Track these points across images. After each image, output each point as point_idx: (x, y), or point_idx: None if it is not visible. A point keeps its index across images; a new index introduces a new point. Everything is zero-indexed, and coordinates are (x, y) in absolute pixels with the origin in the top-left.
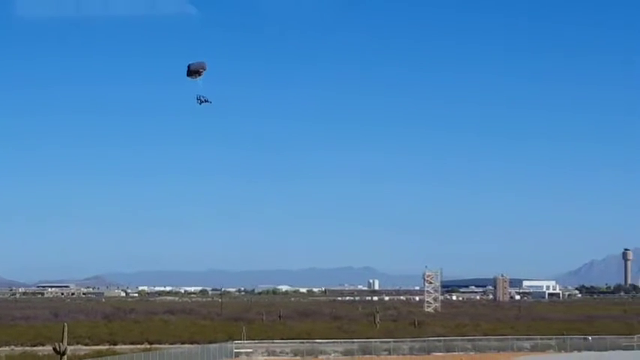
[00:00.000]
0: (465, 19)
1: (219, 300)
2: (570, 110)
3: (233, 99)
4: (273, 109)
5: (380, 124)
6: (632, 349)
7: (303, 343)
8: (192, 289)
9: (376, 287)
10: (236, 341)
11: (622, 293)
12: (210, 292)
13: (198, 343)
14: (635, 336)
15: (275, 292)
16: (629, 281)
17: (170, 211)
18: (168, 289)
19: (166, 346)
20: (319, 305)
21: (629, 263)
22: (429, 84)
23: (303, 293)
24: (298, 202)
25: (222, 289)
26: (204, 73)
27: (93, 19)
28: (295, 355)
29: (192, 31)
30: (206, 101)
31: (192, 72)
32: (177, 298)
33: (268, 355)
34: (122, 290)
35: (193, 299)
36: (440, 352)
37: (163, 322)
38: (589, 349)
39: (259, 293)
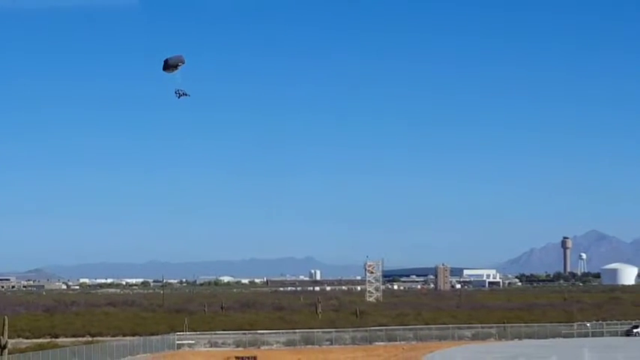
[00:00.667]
0: None
1: (161, 292)
2: (506, 97)
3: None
4: (204, 103)
5: (318, 115)
6: (572, 337)
7: (245, 334)
8: (133, 281)
9: (318, 277)
10: (178, 333)
11: (561, 281)
12: (151, 284)
13: (140, 335)
14: (575, 324)
15: (217, 283)
16: (569, 269)
17: (110, 204)
18: (109, 281)
19: (108, 338)
20: (261, 296)
21: (568, 251)
22: (364, 71)
23: (244, 284)
24: (239, 193)
25: (164, 281)
26: (181, 67)
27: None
28: (237, 346)
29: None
30: (184, 94)
31: (170, 66)
32: (118, 290)
33: (210, 346)
34: (63, 283)
35: (135, 291)
36: (382, 341)
37: (105, 314)
38: (529, 337)
39: (201, 284)
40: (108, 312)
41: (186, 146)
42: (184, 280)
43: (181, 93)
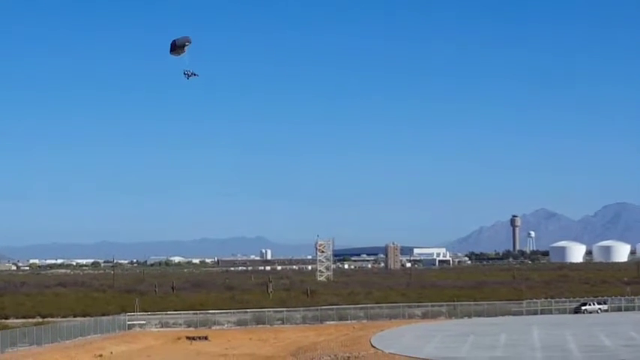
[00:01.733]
0: None
1: (112, 272)
2: (455, 76)
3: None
4: (147, 83)
5: (270, 94)
6: (522, 315)
7: (196, 314)
8: (84, 261)
9: (269, 257)
10: (129, 313)
11: (510, 259)
12: (102, 265)
13: (90, 316)
14: (524, 301)
15: (167, 263)
16: (518, 247)
17: (59, 184)
18: (59, 262)
19: (59, 319)
20: (212, 276)
21: (516, 230)
22: (315, 48)
23: (195, 264)
24: (189, 172)
25: (114, 262)
26: (188, 47)
27: None
28: (189, 326)
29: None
30: (193, 74)
31: (177, 47)
32: (69, 271)
33: (162, 326)
34: (13, 264)
35: (85, 272)
36: (333, 320)
37: (55, 295)
38: (479, 315)
39: (152, 265)
40: (58, 293)
41: (135, 126)
42: (135, 260)
43: (190, 73)
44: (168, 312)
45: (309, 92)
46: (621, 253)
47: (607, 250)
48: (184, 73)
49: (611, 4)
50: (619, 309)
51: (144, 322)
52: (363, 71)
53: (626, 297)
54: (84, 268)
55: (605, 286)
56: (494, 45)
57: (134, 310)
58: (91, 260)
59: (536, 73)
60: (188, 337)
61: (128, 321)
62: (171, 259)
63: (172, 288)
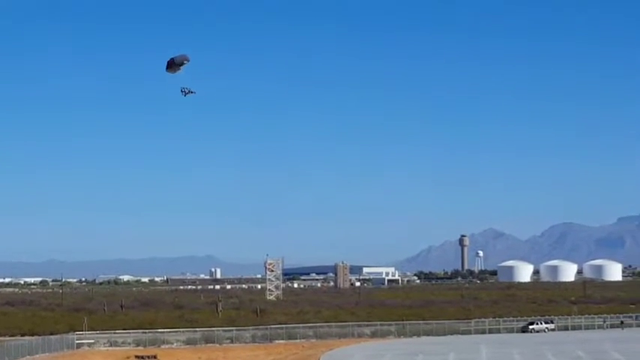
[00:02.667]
0: None
1: (60, 291)
2: (404, 94)
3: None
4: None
5: (216, 111)
6: (470, 334)
7: (145, 332)
8: (31, 280)
9: (218, 276)
10: (77, 332)
11: (459, 278)
12: (50, 283)
13: (38, 335)
14: (473, 320)
15: (116, 282)
16: (466, 266)
17: (6, 202)
18: (7, 280)
19: (6, 338)
20: (161, 295)
21: (465, 249)
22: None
23: (144, 283)
24: (138, 191)
25: (63, 280)
26: (185, 66)
27: None
28: (138, 345)
29: None
30: (190, 92)
31: (175, 64)
32: (16, 290)
33: (110, 345)
34: None
35: (33, 290)
36: (282, 339)
37: (2, 314)
38: (428, 334)
39: (100, 283)
40: (6, 312)
41: (84, 144)
42: (83, 279)
43: (187, 91)
44: (117, 331)
45: (255, 109)
46: (568, 272)
47: (554, 269)
48: (181, 91)
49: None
50: (566, 328)
51: (92, 340)
52: (311, 87)
53: (573, 316)
54: (32, 286)
55: (552, 305)
56: (442, 59)
57: (83, 329)
58: (39, 279)
59: (483, 89)
60: (137, 356)
61: (77, 340)
62: (120, 277)
63: (121, 306)
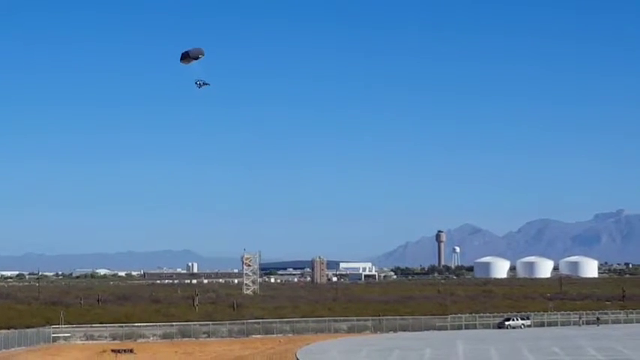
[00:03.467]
0: None
1: (37, 284)
2: (379, 89)
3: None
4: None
5: (197, 105)
6: (446, 329)
7: (122, 327)
8: (8, 273)
9: (195, 270)
10: (54, 326)
11: (436, 274)
12: (27, 277)
13: (15, 329)
14: (449, 316)
15: (93, 276)
16: (443, 262)
17: None
18: None
19: None
20: (138, 289)
21: (442, 245)
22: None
23: (121, 277)
24: (116, 185)
25: (40, 273)
26: (201, 59)
27: None
28: (114, 339)
29: None
30: (205, 84)
31: (190, 58)
32: None
33: (87, 339)
34: None
35: (10, 284)
36: (259, 334)
37: None
38: (404, 330)
39: (77, 277)
40: None
41: (60, 138)
42: (60, 272)
43: (201, 83)
44: (94, 325)
45: (234, 104)
46: (544, 269)
47: (530, 265)
48: (196, 83)
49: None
50: (542, 324)
51: (69, 334)
52: (288, 83)
53: (549, 312)
54: (8, 280)
55: (528, 301)
56: (414, 56)
57: (59, 323)
58: (16, 272)
59: (460, 85)
60: (113, 350)
61: (53, 333)
62: (97, 271)
63: (98, 300)
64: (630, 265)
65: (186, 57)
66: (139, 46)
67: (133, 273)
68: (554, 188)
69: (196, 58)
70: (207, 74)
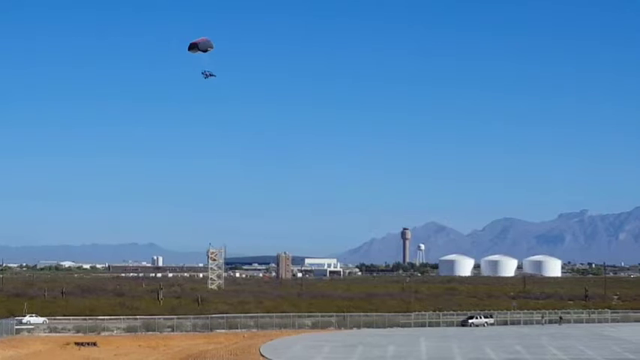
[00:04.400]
0: None
1: (0, 276)
2: (346, 83)
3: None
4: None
5: (160, 100)
6: (410, 327)
7: (85, 319)
8: None
9: (160, 264)
10: (17, 317)
11: (400, 271)
12: None
13: None
14: (413, 313)
15: (57, 268)
16: (408, 260)
17: None
18: None
19: None
20: (102, 282)
21: (407, 242)
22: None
23: (86, 269)
24: (81, 178)
25: (3, 265)
26: (209, 52)
27: None
28: (78, 331)
29: None
30: (211, 75)
31: (199, 49)
32: None
33: (50, 331)
34: None
35: None
36: (223, 329)
37: None
38: (368, 326)
39: (41, 269)
40: None
41: (25, 131)
42: (24, 264)
43: (208, 74)
44: (57, 317)
45: (197, 97)
46: (508, 267)
47: (494, 264)
48: (202, 73)
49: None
50: (505, 323)
51: (32, 326)
52: (250, 75)
53: (512, 311)
54: None
55: (492, 299)
56: (384, 52)
57: (23, 315)
58: None
59: (427, 81)
60: (76, 343)
61: (16, 325)
62: (62, 263)
63: (62, 293)
64: (593, 265)
65: (194, 47)
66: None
67: (98, 266)
68: (519, 188)
69: (205, 51)
70: (215, 66)
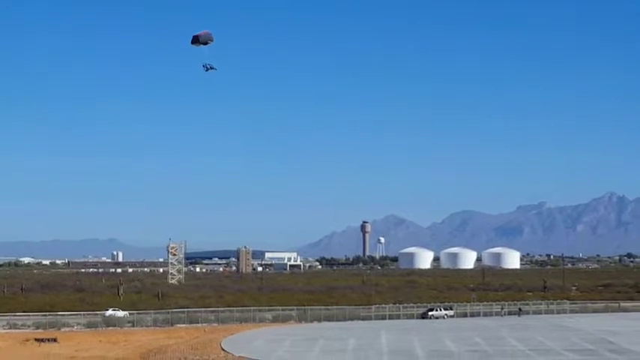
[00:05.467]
0: None
1: None
2: (310, 79)
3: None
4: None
5: (115, 96)
6: (370, 319)
7: (45, 315)
8: None
9: (120, 259)
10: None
11: (360, 264)
12: None
13: None
14: (373, 306)
15: (17, 264)
16: (368, 253)
17: None
18: None
19: None
20: (62, 278)
21: (367, 235)
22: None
23: (46, 265)
24: (41, 173)
25: None
26: (210, 45)
27: None
28: (37, 327)
29: None
30: (212, 68)
31: (200, 42)
32: None
33: (10, 328)
34: None
35: None
36: (183, 323)
37: None
38: (329, 320)
39: (0, 265)
40: None
41: None
42: None
43: (209, 67)
44: (17, 313)
45: (150, 93)
46: (467, 259)
47: (454, 256)
48: (203, 66)
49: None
50: (465, 315)
51: None
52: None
53: (472, 303)
54: None
55: (451, 292)
56: (336, 42)
57: None
58: None
59: (382, 72)
60: (36, 339)
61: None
62: (21, 259)
63: (21, 289)
64: (551, 257)
65: (196, 40)
66: None
67: (58, 262)
68: (479, 180)
69: (205, 43)
70: (215, 59)
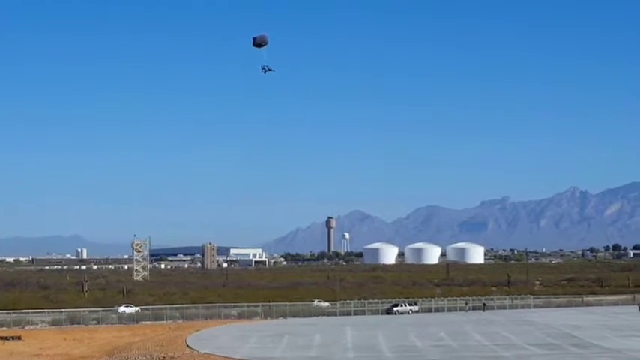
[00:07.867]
0: None
1: None
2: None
3: None
4: None
5: (78, 93)
6: (336, 315)
7: (9, 313)
8: None
9: (84, 256)
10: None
11: (325, 260)
12: None
13: None
14: (338, 302)
15: None
16: (333, 248)
17: None
18: None
19: None
20: (26, 275)
21: (332, 231)
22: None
23: (9, 262)
24: (4, 170)
25: None
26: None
27: None
28: (1, 325)
29: None
30: (270, 70)
31: (257, 44)
32: None
33: None
34: None
35: None
36: (148, 320)
37: None
38: (294, 316)
39: None
40: None
41: None
42: None
43: (267, 69)
44: None
45: (109, 88)
46: (432, 255)
47: (418, 252)
48: (262, 68)
49: None
50: (429, 310)
51: None
52: (158, 65)
53: (436, 298)
54: None
55: (416, 287)
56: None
57: None
58: None
59: (349, 68)
60: (0, 337)
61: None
62: None
63: None
64: (515, 251)
65: (255, 43)
66: None
67: (21, 259)
68: (443, 175)
69: (260, 45)
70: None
